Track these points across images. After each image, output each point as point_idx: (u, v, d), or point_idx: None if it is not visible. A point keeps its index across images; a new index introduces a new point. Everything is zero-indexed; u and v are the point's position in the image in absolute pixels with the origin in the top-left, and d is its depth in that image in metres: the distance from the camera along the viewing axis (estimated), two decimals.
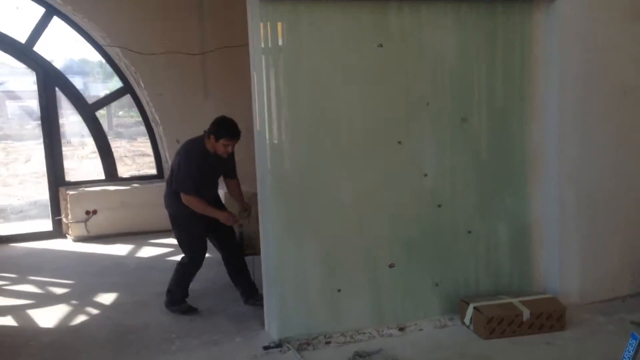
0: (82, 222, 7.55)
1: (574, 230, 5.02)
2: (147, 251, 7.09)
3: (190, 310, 5.12)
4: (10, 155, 17.69)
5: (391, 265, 4.69)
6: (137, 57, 7.53)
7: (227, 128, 4.79)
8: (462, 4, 4.67)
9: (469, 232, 4.94)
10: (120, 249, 7.16)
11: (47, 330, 4.92)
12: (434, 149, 4.78)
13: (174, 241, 7.30)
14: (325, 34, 4.40)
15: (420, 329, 4.74)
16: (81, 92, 8.15)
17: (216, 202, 5.16)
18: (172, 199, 5.04)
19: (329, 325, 4.63)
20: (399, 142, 4.67)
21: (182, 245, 5.21)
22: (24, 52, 7.69)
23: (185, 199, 4.89)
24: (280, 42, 4.36)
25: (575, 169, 4.97)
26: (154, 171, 8.41)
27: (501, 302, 4.73)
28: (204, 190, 4.96)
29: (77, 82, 8.23)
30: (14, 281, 6.17)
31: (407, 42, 4.60)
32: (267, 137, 4.38)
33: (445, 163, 4.82)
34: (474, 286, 4.98)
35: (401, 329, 4.74)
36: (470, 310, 4.68)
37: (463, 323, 4.75)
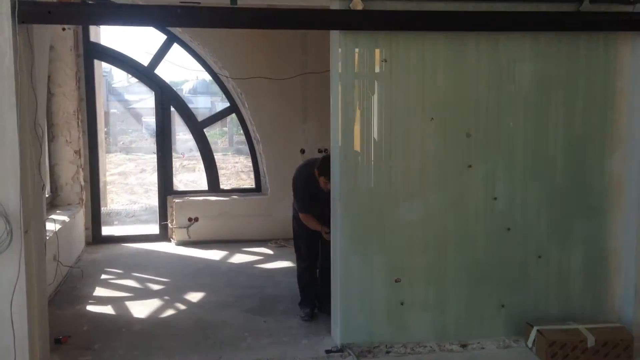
0: (184, 228, 8.23)
1: None
2: (238, 258, 7.60)
3: (307, 317, 5.43)
4: (140, 166, 19.41)
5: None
6: (243, 80, 8.15)
7: (327, 168, 5.00)
8: (541, 34, 4.77)
9: (539, 257, 4.94)
10: (215, 254, 7.72)
11: (139, 320, 5.50)
12: (506, 174, 4.87)
13: (264, 250, 7.85)
14: (402, 62, 4.67)
15: (483, 348, 4.82)
16: (208, 110, 8.87)
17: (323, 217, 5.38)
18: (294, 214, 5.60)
19: (391, 335, 4.84)
20: (469, 166, 4.81)
21: (296, 252, 5.69)
22: (146, 74, 8.56)
23: (301, 217, 5.40)
24: (356, 69, 4.69)
25: None
26: (253, 185, 8.97)
27: (567, 328, 4.71)
28: (315, 208, 5.35)
29: (205, 100, 8.96)
30: (119, 276, 6.87)
31: (483, 72, 4.76)
32: (339, 158, 4.69)
33: (516, 189, 4.89)
34: (543, 311, 4.97)
35: (463, 346, 4.83)
36: (533, 333, 4.69)
37: (527, 346, 4.75)
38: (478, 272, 4.90)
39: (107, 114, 18.61)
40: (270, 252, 7.86)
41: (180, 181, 15.27)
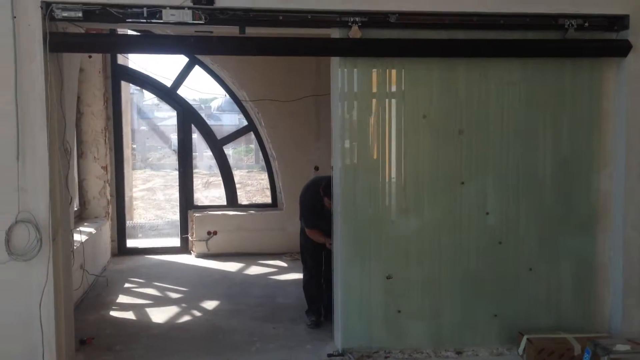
0: (203, 240, 8.65)
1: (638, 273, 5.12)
2: (254, 269, 7.98)
3: (313, 325, 5.76)
4: (168, 182, 19.97)
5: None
6: (259, 99, 8.59)
7: (330, 190, 5.32)
8: (529, 60, 5.08)
9: (530, 269, 5.21)
10: (232, 266, 8.11)
11: (157, 325, 5.90)
12: (497, 191, 5.17)
13: (279, 262, 8.21)
14: (399, 84, 5.04)
15: (477, 355, 5.08)
16: (235, 126, 9.31)
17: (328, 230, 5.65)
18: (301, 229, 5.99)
19: (389, 342, 5.15)
20: (462, 183, 5.12)
21: (303, 263, 6.09)
22: (169, 94, 9.05)
23: (307, 232, 5.80)
24: (355, 89, 5.06)
25: None
26: (269, 200, 9.37)
27: (556, 337, 4.96)
28: (320, 223, 5.68)
29: (232, 118, 9.35)
30: (141, 285, 7.30)
31: (474, 94, 5.09)
32: (339, 174, 5.05)
33: (508, 205, 5.18)
34: (533, 321, 5.21)
35: (458, 353, 5.11)
36: (523, 342, 4.95)
37: (518, 353, 5.01)
38: (472, 283, 5.18)
39: (134, 131, 19.27)
40: (284, 264, 8.22)
41: (207, 197, 15.76)
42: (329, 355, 5.05)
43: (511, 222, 5.19)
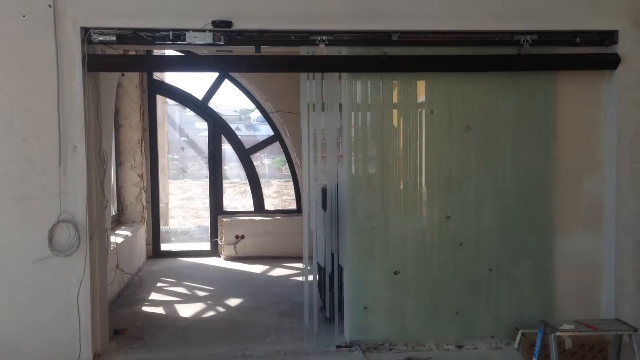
0: (232, 244, 9.20)
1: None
2: (277, 271, 8.49)
3: (326, 320, 6.06)
4: (206, 191, 20.67)
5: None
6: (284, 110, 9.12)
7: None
8: (488, 74, 5.44)
9: (490, 269, 5.57)
10: (257, 268, 8.63)
11: (184, 319, 6.43)
12: (459, 196, 5.54)
13: (301, 265, 8.65)
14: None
15: (475, 349, 5.44)
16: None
17: None
18: None
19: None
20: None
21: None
22: (200, 107, 9.67)
23: None
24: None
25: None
26: (294, 206, 9.87)
27: None
28: None
29: (268, 128, 9.87)
30: (172, 284, 7.87)
31: (440, 106, 5.49)
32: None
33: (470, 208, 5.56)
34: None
35: (459, 347, 5.48)
36: (519, 336, 5.29)
37: (515, 348, 5.35)
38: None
39: (174, 142, 20.00)
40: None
41: (244, 206, 16.31)
42: (338, 347, 5.48)
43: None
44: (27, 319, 5.06)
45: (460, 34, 5.29)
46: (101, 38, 5.00)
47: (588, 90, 5.50)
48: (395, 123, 5.53)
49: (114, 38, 5.02)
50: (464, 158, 5.51)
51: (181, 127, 23.67)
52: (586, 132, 5.52)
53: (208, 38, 5.06)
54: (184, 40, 5.08)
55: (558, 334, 4.60)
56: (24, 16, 4.88)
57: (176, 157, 22.40)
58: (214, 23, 4.98)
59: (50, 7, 4.86)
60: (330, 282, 6.23)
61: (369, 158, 5.57)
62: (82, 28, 4.93)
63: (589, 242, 5.57)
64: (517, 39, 5.28)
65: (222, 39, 5.10)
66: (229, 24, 5.02)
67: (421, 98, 5.50)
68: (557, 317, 5.35)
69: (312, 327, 5.61)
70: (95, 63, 5.05)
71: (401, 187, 5.54)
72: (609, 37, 5.33)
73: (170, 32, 5.06)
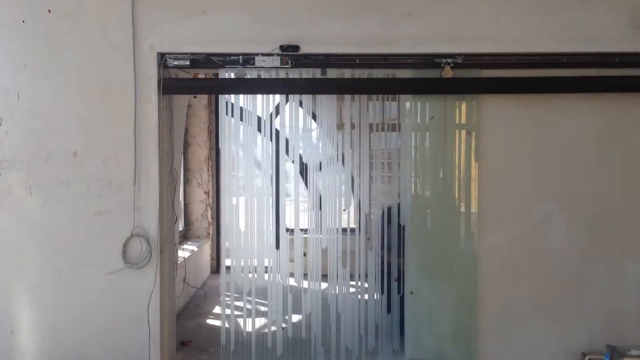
0: (292, 261, 9.34)
1: None
2: (338, 288, 8.54)
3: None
4: (270, 208, 21.10)
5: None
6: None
7: None
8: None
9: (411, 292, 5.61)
10: (319, 285, 8.72)
11: (247, 333, 6.60)
12: None
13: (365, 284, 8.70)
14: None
15: None
16: None
17: None
18: None
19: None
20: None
21: None
22: (264, 125, 9.90)
23: None
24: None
25: None
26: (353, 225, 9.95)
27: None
28: None
29: (329, 146, 10.15)
30: (236, 299, 8.03)
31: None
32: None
33: None
34: None
35: None
36: None
37: None
38: None
39: (239, 160, 20.42)
40: (366, 284, 8.71)
41: (305, 223, 16.53)
42: None
43: None
44: (100, 327, 5.34)
45: (526, 56, 5.32)
46: (176, 62, 5.28)
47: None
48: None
49: (188, 62, 5.30)
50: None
51: (245, 145, 24.09)
52: None
53: (276, 62, 5.27)
54: (253, 63, 5.31)
55: (626, 359, 4.50)
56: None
57: (240, 174, 22.91)
58: (282, 47, 5.18)
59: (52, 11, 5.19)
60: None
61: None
62: (158, 53, 5.23)
63: None
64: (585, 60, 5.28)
65: (289, 62, 5.29)
66: (296, 47, 5.21)
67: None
68: None
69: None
70: (170, 86, 5.34)
71: None
72: None
73: (240, 57, 5.30)
